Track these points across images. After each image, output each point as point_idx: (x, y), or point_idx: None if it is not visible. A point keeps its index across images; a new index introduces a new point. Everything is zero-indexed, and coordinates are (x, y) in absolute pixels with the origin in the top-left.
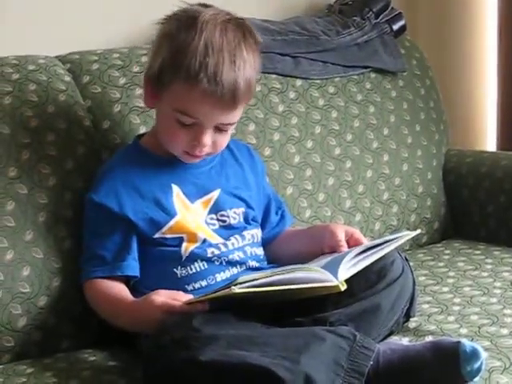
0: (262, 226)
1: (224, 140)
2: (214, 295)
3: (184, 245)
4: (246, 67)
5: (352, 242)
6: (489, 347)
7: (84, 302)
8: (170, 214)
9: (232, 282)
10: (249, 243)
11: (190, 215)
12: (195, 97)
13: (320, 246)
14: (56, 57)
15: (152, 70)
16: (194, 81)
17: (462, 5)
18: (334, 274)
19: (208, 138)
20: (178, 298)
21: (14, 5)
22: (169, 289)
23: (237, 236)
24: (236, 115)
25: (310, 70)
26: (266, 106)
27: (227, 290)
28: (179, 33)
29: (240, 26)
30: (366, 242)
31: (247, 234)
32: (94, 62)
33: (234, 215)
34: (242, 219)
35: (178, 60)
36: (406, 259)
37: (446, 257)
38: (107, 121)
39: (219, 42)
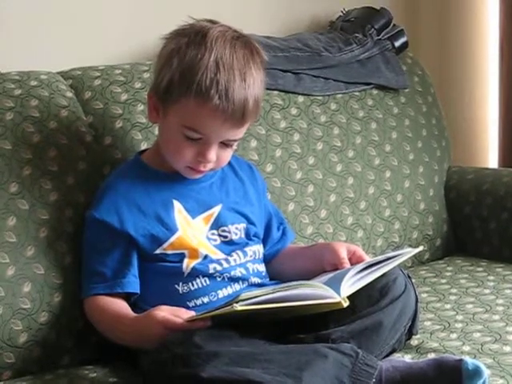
0: (264, 243)
1: (227, 155)
2: (215, 312)
3: (185, 261)
4: (254, 85)
5: (354, 260)
6: (491, 365)
7: (85, 318)
8: (172, 230)
9: (234, 298)
10: (251, 259)
11: (192, 231)
12: (205, 113)
13: (322, 264)
14: (58, 72)
15: (159, 85)
16: (205, 97)
17: (464, 21)
18: (337, 290)
19: (213, 154)
20: (179, 314)
21: (16, 20)
22: (170, 305)
23: (238, 252)
24: (242, 132)
25: (311, 87)
26: (267, 122)
27: (229, 307)
28: (189, 48)
29: (248, 44)
30: (368, 259)
31: (249, 250)
32: (96, 78)
33: (236, 231)
34: (243, 235)
35: (188, 76)
36: (409, 276)
37: (449, 274)
38: (109, 137)
39: (230, 60)
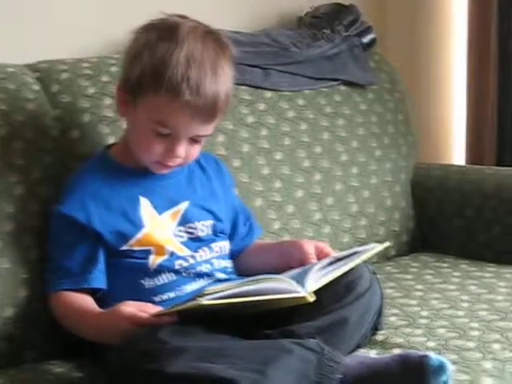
0: (231, 238)
1: (196, 151)
2: (181, 307)
3: (151, 257)
4: (225, 80)
5: (322, 257)
6: (456, 360)
7: (50, 313)
8: (138, 226)
9: (199, 293)
10: (216, 255)
11: (158, 227)
12: (176, 108)
13: (288, 261)
14: (25, 65)
15: (128, 79)
16: (176, 92)
17: (431, 18)
18: (302, 284)
19: (183, 150)
20: (146, 309)
21: None
22: (137, 300)
23: (205, 248)
24: (212, 127)
25: (279, 82)
26: (235, 117)
27: (195, 301)
28: (159, 43)
29: (218, 39)
30: (335, 254)
31: (215, 246)
32: (64, 72)
33: (203, 227)
34: (210, 231)
35: (159, 70)
36: (374, 273)
37: (414, 270)
38: (76, 130)
39: (200, 55)
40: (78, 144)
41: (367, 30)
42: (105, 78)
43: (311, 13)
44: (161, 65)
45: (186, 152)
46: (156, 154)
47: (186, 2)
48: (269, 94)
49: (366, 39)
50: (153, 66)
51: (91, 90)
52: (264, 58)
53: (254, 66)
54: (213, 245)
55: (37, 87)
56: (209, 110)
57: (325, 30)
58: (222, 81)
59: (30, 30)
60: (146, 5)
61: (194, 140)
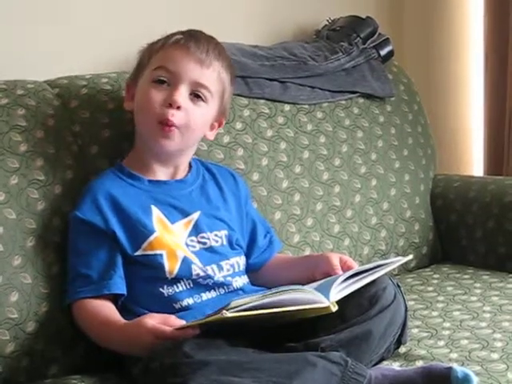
0: (250, 251)
1: (196, 115)
2: (205, 320)
3: (167, 265)
4: (218, 45)
5: (345, 269)
6: (479, 372)
7: (72, 327)
8: (150, 231)
9: (224, 306)
10: (229, 274)
11: (170, 235)
12: (170, 49)
13: (313, 274)
14: (45, 81)
15: (133, 70)
16: (170, 40)
17: (449, 30)
18: (326, 295)
19: (181, 97)
20: (170, 322)
21: (1, 30)
22: (157, 307)
23: (213, 266)
24: (209, 79)
25: (298, 95)
26: (254, 130)
27: (219, 314)
28: (161, 38)
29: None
30: (359, 267)
31: (225, 264)
32: (83, 87)
33: (216, 238)
34: (225, 242)
35: (154, 44)
36: (399, 286)
37: (435, 281)
38: (96, 146)
39: (198, 32)
40: (97, 159)
41: (385, 42)
42: (124, 93)
43: (328, 26)
44: (157, 41)
45: (187, 110)
46: (155, 107)
47: (204, 16)
48: (287, 107)
49: (383, 51)
50: (149, 46)
51: (110, 106)
52: (282, 71)
53: (273, 80)
54: (223, 263)
55: (57, 103)
56: (201, 52)
57: (342, 43)
58: (214, 40)
59: (50, 46)
60: (165, 20)
61: (193, 96)
